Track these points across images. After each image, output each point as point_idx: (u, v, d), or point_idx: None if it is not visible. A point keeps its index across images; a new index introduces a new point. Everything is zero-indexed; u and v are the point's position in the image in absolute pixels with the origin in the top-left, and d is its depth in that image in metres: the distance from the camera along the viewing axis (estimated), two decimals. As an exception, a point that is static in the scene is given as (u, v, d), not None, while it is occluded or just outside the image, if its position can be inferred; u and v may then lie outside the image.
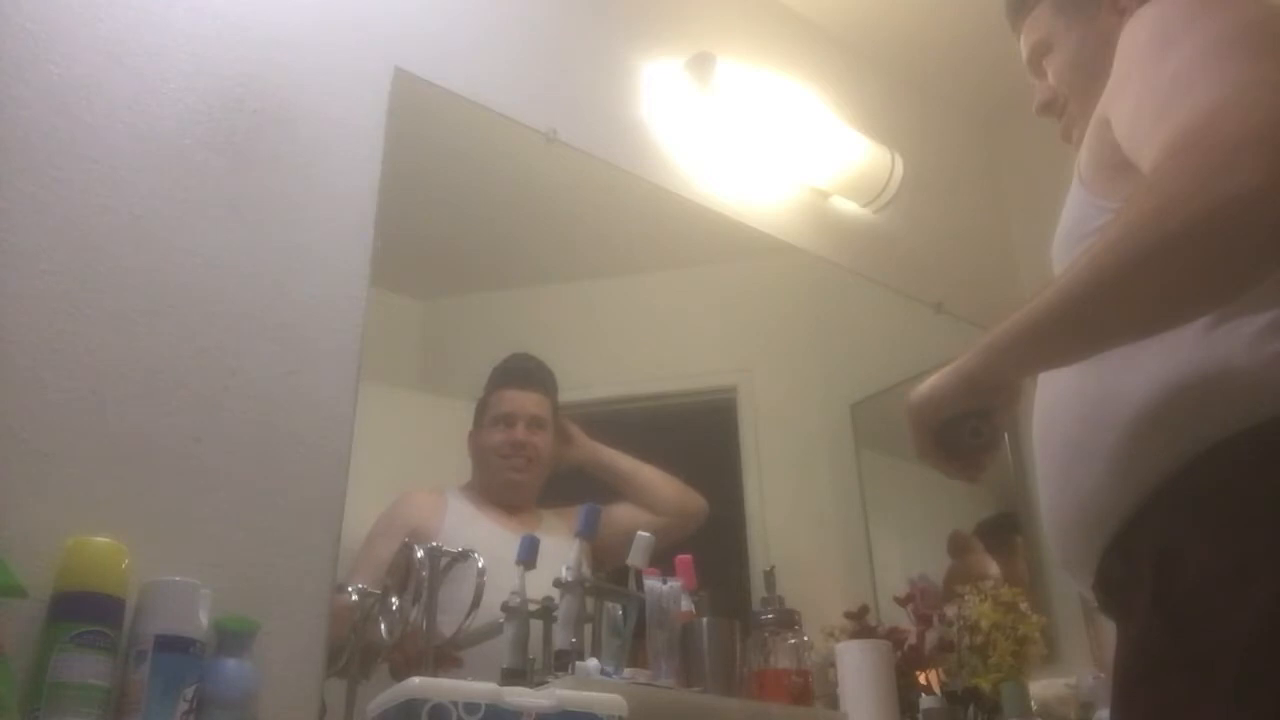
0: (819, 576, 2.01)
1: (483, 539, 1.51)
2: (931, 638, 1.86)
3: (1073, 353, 0.85)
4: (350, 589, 1.39)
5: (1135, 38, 0.91)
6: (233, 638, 1.21)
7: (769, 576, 1.71)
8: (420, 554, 1.36)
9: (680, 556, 1.57)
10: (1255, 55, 0.78)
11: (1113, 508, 0.85)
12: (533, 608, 1.43)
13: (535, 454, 1.75)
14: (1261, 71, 0.75)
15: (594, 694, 1.11)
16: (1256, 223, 0.68)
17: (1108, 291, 0.75)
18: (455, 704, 1.00)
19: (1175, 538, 0.80)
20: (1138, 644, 0.81)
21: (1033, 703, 1.81)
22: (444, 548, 1.38)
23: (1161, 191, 0.73)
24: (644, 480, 1.81)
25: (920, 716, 1.73)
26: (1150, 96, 0.84)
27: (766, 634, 1.60)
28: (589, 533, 1.45)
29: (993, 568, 2.25)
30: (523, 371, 1.79)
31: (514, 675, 1.36)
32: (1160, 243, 0.72)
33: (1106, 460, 0.86)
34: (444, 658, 1.38)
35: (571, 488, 1.73)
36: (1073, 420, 0.91)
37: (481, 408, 1.75)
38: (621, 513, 1.70)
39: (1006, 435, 0.98)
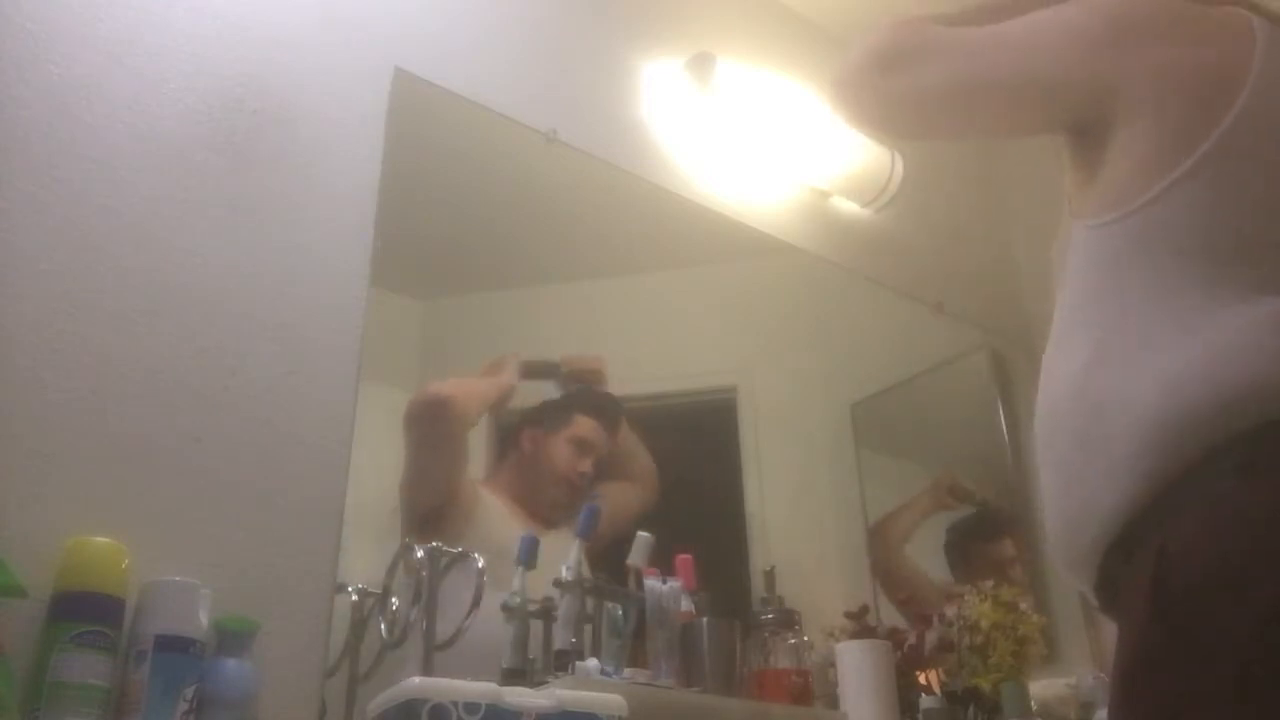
0: (819, 576, 2.01)
1: (509, 537, 1.52)
2: (931, 638, 1.86)
3: None
4: (350, 589, 1.39)
5: None
6: (233, 638, 1.21)
7: (769, 576, 1.71)
8: (420, 554, 1.36)
9: (680, 556, 1.57)
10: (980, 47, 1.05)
11: (1118, 507, 0.85)
12: (533, 608, 1.43)
13: (586, 489, 1.76)
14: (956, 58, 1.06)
15: (594, 694, 1.12)
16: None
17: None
18: (455, 704, 1.00)
19: (1178, 536, 0.80)
20: (1137, 642, 0.81)
21: (1033, 703, 1.81)
22: (444, 547, 1.38)
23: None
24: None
25: (920, 716, 1.73)
26: None
27: (766, 634, 1.60)
28: (588, 532, 1.45)
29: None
30: (612, 412, 1.83)
31: (514, 675, 1.36)
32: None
33: (1113, 460, 0.86)
34: None
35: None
36: (1079, 420, 0.91)
37: (556, 416, 1.78)
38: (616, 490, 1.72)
39: (1007, 435, 0.99)
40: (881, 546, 2.13)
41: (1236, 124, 0.88)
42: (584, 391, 1.82)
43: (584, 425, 1.80)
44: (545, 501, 1.72)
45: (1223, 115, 0.88)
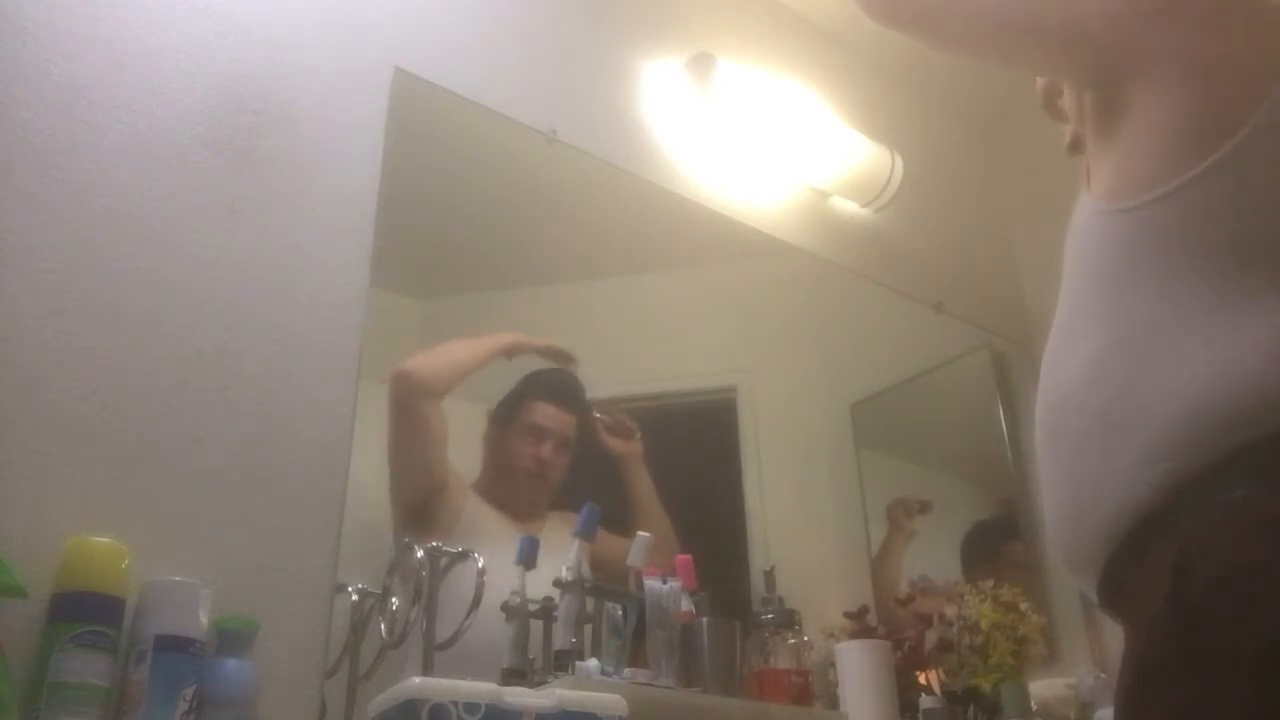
0: (819, 576, 2.01)
1: (494, 539, 1.51)
2: (931, 638, 1.86)
3: None
4: (350, 589, 1.39)
5: None
6: (233, 638, 1.21)
7: (769, 576, 1.71)
8: (420, 554, 1.36)
9: (680, 556, 1.57)
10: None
11: (1130, 503, 0.84)
12: (533, 608, 1.43)
13: (554, 475, 1.75)
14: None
15: (594, 694, 1.12)
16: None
17: None
18: (455, 704, 1.00)
19: (1196, 538, 0.78)
20: (1149, 644, 0.80)
21: (1033, 703, 1.81)
22: (444, 547, 1.38)
23: None
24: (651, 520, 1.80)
25: (920, 716, 1.73)
26: None
27: (766, 634, 1.60)
28: (588, 532, 1.45)
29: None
30: (568, 391, 1.80)
31: (514, 675, 1.36)
32: None
33: (1128, 455, 0.85)
34: None
35: (581, 494, 1.72)
36: (1093, 411, 0.89)
37: (510, 410, 1.75)
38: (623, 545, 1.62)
39: (1007, 435, 0.98)
40: (884, 589, 2.12)
41: (1265, 120, 0.86)
42: (535, 376, 1.79)
43: (538, 411, 1.76)
44: (517, 499, 1.70)
45: (1252, 111, 0.86)
